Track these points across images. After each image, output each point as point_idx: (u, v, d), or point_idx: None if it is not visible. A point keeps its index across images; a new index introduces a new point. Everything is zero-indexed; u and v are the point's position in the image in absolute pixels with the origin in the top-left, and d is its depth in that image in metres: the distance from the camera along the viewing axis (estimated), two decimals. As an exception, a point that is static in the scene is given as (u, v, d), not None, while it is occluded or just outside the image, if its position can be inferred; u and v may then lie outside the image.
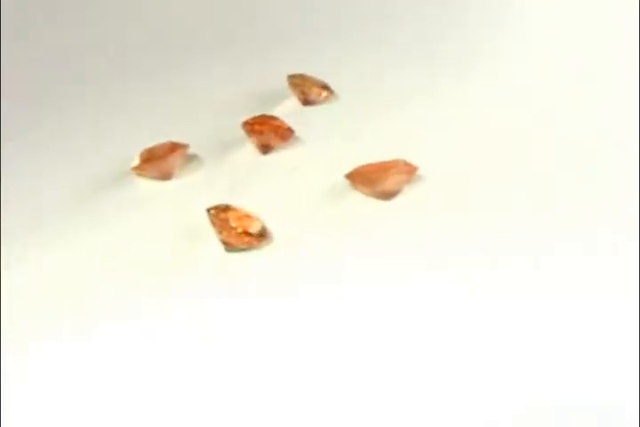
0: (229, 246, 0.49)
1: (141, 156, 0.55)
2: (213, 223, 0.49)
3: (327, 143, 0.56)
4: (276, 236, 0.50)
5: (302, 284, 0.47)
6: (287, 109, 0.59)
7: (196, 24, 0.69)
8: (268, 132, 0.56)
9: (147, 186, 0.54)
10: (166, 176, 0.55)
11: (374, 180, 0.51)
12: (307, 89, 0.60)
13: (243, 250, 0.49)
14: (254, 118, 0.56)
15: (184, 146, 0.56)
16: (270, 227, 0.50)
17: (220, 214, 0.49)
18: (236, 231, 0.49)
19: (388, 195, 0.51)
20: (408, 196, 0.51)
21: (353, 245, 0.48)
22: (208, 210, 0.50)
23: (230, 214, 0.49)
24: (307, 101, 0.60)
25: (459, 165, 0.53)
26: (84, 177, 0.55)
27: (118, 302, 0.46)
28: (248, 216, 0.49)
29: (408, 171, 0.51)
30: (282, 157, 0.56)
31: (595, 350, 0.42)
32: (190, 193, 0.53)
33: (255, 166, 0.55)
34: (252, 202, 0.51)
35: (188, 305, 0.46)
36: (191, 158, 0.56)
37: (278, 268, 0.48)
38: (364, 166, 0.52)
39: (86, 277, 0.48)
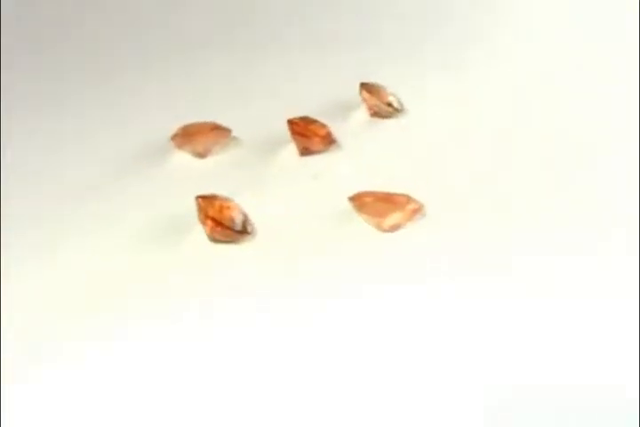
0: (211, 237, 0.49)
1: (183, 129, 0.56)
2: (199, 211, 0.49)
3: (363, 158, 0.54)
4: (260, 233, 0.49)
5: (273, 280, 0.46)
6: (352, 120, 0.58)
7: (278, 21, 0.69)
8: (312, 136, 0.55)
9: (180, 160, 0.55)
10: (201, 154, 0.55)
11: (376, 211, 0.49)
12: (377, 101, 0.58)
13: (223, 242, 0.49)
14: (300, 119, 0.55)
15: (227, 130, 0.56)
16: (259, 225, 0.49)
17: (205, 203, 0.49)
18: (216, 223, 0.48)
19: (388, 230, 0.49)
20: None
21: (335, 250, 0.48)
22: (196, 198, 0.50)
23: (215, 205, 0.49)
24: (375, 113, 0.58)
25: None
26: (125, 145, 0.56)
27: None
28: (229, 208, 0.49)
29: (413, 210, 0.49)
30: (314, 162, 0.54)
31: (595, 351, 0.41)
32: (209, 176, 0.54)
33: (285, 166, 0.54)
34: (255, 198, 0.51)
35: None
36: (232, 144, 0.56)
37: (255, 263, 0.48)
38: (368, 193, 0.50)
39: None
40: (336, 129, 0.56)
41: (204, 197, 0.49)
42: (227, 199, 0.50)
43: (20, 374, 0.42)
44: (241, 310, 0.45)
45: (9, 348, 0.43)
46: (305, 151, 0.55)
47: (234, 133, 0.56)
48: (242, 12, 0.69)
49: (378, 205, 0.49)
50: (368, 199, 0.50)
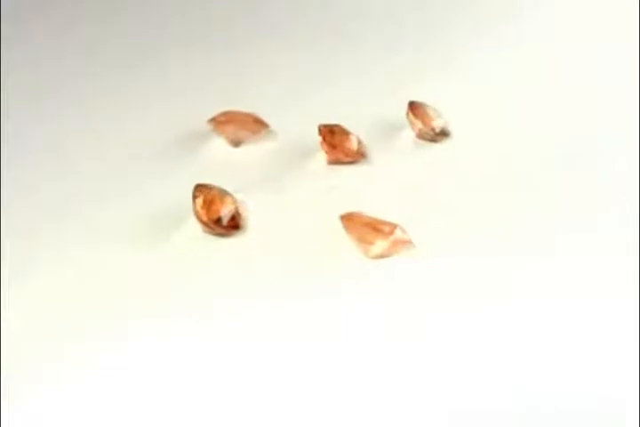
0: (203, 229, 0.50)
1: (224, 114, 0.56)
2: (193, 199, 0.50)
3: (385, 179, 0.53)
4: (252, 232, 0.50)
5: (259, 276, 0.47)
6: (396, 138, 0.56)
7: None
8: (340, 146, 0.54)
9: (212, 145, 0.56)
10: (235, 143, 0.56)
11: (362, 236, 0.48)
12: (422, 124, 0.56)
13: (213, 235, 0.49)
14: (332, 127, 0.54)
15: (265, 124, 0.56)
16: (257, 224, 0.50)
17: (199, 193, 0.50)
18: (205, 214, 0.49)
19: (373, 257, 0.48)
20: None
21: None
22: (195, 186, 0.50)
23: (209, 195, 0.49)
24: (420, 136, 0.56)
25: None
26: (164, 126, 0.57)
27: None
28: (221, 201, 0.49)
29: (397, 241, 0.48)
30: (339, 173, 0.54)
31: (594, 352, 0.42)
32: (230, 167, 0.54)
33: (308, 171, 0.54)
34: (261, 197, 0.51)
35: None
36: (266, 139, 0.56)
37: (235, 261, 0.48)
38: (358, 215, 0.49)
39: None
40: (374, 144, 0.55)
41: (200, 187, 0.50)
42: (224, 192, 0.50)
43: (20, 374, 0.43)
44: (226, 309, 0.45)
45: (9, 348, 0.44)
46: (333, 160, 0.54)
47: (271, 129, 0.56)
48: (304, 9, 0.68)
49: (364, 230, 0.48)
50: (357, 221, 0.49)
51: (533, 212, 0.50)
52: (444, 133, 0.56)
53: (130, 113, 0.59)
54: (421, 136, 0.56)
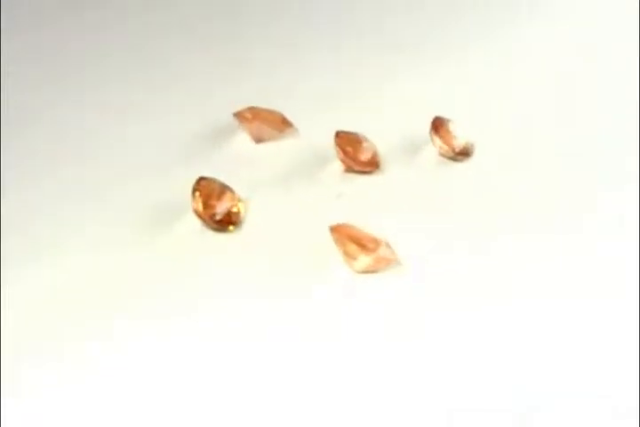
0: (200, 221, 0.51)
1: (251, 110, 0.56)
2: (192, 192, 0.51)
3: (392, 194, 0.53)
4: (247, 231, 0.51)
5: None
6: (419, 153, 0.56)
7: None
8: (353, 154, 0.54)
9: (235, 140, 0.57)
10: (258, 140, 0.56)
11: (347, 249, 0.49)
12: (443, 143, 0.55)
13: (211, 229, 0.51)
14: (345, 133, 0.54)
15: (290, 124, 0.56)
16: (256, 224, 0.51)
17: (200, 186, 0.51)
18: (203, 207, 0.50)
19: (359, 271, 0.49)
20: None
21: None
22: (197, 179, 0.51)
23: (207, 189, 0.51)
24: (442, 153, 0.55)
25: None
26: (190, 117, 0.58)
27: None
28: (220, 197, 0.50)
29: (385, 260, 0.48)
30: (351, 181, 0.54)
31: (594, 352, 0.43)
32: (246, 163, 0.55)
33: (320, 177, 0.54)
34: (265, 197, 0.52)
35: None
36: (289, 140, 0.56)
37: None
38: (347, 227, 0.49)
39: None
40: (395, 157, 0.55)
41: (202, 181, 0.51)
42: (225, 187, 0.51)
43: (20, 374, 0.44)
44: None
45: (9, 348, 0.45)
46: (348, 168, 0.54)
47: (296, 129, 0.57)
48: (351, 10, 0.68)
49: (349, 244, 0.48)
50: (344, 234, 0.49)
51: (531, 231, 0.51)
52: (464, 153, 0.55)
53: (152, 107, 0.59)
54: (442, 154, 0.55)
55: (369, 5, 0.67)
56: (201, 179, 0.51)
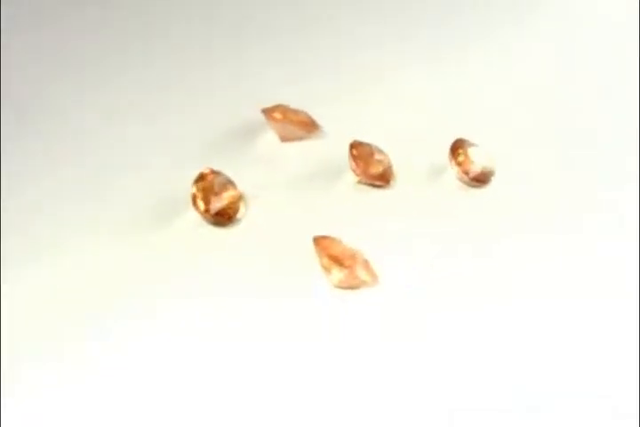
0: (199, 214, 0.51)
1: (280, 108, 0.56)
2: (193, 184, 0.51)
3: (402, 212, 0.53)
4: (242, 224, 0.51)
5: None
6: (440, 175, 0.54)
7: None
8: (365, 166, 0.53)
9: (261, 137, 0.56)
10: (283, 139, 0.56)
11: (324, 262, 0.48)
12: (459, 169, 0.53)
13: (210, 224, 0.51)
14: (359, 143, 0.53)
15: (317, 127, 0.56)
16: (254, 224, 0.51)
17: (201, 180, 0.51)
18: (199, 201, 0.51)
19: (334, 286, 0.48)
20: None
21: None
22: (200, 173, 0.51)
23: (207, 183, 0.51)
24: (458, 178, 0.53)
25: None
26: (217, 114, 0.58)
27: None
28: (219, 192, 0.50)
29: (358, 280, 0.48)
30: (355, 193, 0.53)
31: (594, 352, 0.44)
32: (265, 161, 0.55)
33: (333, 185, 0.54)
34: (268, 197, 0.52)
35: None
36: (313, 141, 0.56)
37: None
38: (327, 240, 0.49)
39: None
40: (414, 174, 0.54)
41: (205, 174, 0.51)
42: (227, 182, 0.51)
43: (20, 374, 0.44)
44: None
45: (9, 348, 0.45)
46: (362, 179, 0.53)
47: (323, 132, 0.56)
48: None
49: (326, 257, 0.48)
50: (324, 246, 0.49)
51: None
52: (479, 180, 0.53)
53: (157, 107, 0.59)
54: (458, 177, 0.54)
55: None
56: (203, 173, 0.51)
